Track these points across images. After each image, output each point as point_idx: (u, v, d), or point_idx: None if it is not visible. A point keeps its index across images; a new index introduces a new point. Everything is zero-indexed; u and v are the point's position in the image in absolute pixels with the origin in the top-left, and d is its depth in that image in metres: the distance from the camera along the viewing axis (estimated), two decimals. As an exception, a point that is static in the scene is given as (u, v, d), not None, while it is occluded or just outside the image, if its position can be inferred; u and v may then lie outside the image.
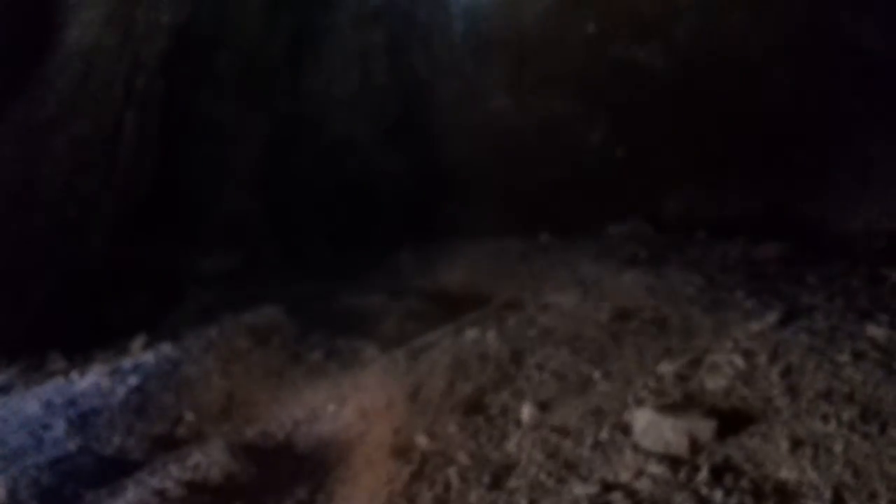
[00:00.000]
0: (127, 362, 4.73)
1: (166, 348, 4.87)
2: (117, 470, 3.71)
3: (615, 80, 7.28)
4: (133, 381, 4.51)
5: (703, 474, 2.78)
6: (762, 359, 3.51)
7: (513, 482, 3.07)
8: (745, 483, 2.70)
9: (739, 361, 3.51)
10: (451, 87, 7.99)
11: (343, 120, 8.52)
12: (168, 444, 4.04)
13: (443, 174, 7.97)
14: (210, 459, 3.62)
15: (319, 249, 7.95)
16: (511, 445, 3.37)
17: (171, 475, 3.51)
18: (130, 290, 6.50)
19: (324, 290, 6.24)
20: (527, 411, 3.57)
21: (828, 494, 2.57)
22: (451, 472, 3.25)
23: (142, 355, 4.83)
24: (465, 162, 7.82)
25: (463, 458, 3.35)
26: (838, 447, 2.78)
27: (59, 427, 4.09)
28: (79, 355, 5.18)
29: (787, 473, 2.73)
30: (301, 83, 8.53)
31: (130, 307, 6.25)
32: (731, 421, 3.08)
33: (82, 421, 4.15)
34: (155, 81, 6.66)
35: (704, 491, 2.69)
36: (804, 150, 5.84)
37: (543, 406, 3.61)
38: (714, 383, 3.41)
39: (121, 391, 4.41)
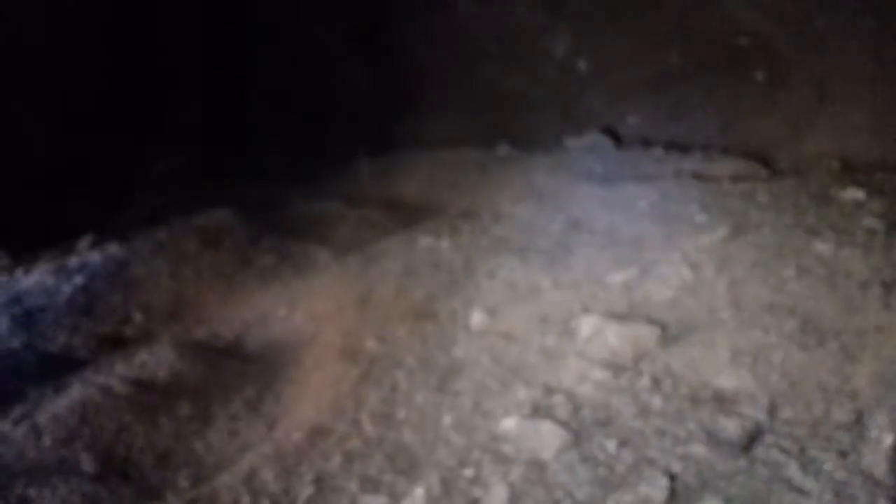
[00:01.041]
0: (73, 261, 4.60)
1: (114, 248, 4.74)
2: (62, 367, 3.65)
3: (581, -10, 7.12)
4: (79, 279, 4.41)
5: (644, 380, 2.84)
6: (709, 271, 3.57)
7: (458, 385, 3.12)
8: (684, 390, 2.78)
9: (687, 273, 3.56)
10: (415, -10, 7.75)
11: (301, 22, 8.26)
12: (115, 343, 3.98)
13: (402, 82, 7.81)
14: (157, 358, 3.60)
15: (275, 155, 7.81)
16: (458, 350, 3.41)
17: (117, 373, 3.48)
18: (78, 188, 6.34)
19: (278, 195, 6.14)
20: (475, 317, 3.60)
21: (764, 402, 2.65)
22: (399, 375, 3.29)
23: (88, 255, 4.70)
24: (425, 69, 7.67)
25: (411, 361, 3.39)
26: (777, 358, 2.86)
27: (3, 324, 4.00)
28: (24, 254, 5.06)
29: (725, 381, 2.81)
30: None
31: (78, 207, 6.09)
32: (675, 330, 3.15)
33: (26, 318, 4.06)
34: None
35: (644, 396, 2.76)
36: (763, 68, 5.82)
37: (492, 312, 3.64)
38: (660, 294, 3.47)
39: (67, 290, 4.32)
